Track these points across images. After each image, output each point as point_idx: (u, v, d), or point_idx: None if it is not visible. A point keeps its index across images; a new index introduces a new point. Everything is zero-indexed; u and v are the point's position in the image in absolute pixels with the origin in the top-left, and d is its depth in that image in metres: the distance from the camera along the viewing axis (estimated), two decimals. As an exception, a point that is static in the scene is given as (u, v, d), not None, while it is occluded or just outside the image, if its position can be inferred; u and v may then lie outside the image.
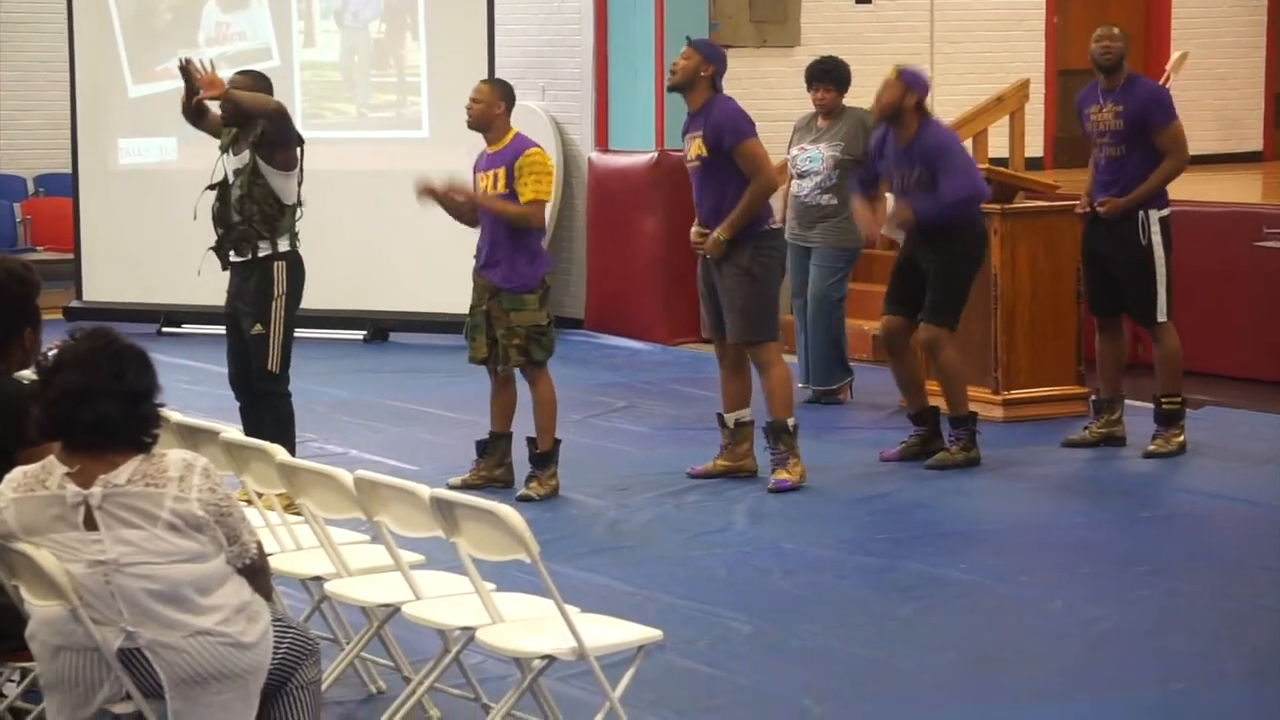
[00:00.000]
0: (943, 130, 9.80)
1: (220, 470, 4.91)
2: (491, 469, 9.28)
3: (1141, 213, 9.69)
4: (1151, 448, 9.81)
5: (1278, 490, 9.21)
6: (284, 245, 8.89)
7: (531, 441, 9.15)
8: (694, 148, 9.25)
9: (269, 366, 8.92)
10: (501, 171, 8.98)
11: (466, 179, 9.20)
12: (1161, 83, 14.41)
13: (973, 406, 9.85)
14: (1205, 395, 10.79)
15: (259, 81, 9.04)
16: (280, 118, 8.82)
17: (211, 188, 9.00)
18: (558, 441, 9.15)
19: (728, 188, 9.16)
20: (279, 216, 8.85)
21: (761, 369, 9.29)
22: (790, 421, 9.25)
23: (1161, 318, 9.74)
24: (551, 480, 9.13)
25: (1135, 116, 9.68)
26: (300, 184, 8.94)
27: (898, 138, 9.57)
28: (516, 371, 9.19)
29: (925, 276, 9.59)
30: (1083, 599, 7.45)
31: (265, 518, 6.29)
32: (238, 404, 9.13)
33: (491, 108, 9.07)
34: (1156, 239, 9.70)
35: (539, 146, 9.08)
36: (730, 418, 9.44)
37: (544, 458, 9.13)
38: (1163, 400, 9.85)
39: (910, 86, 9.54)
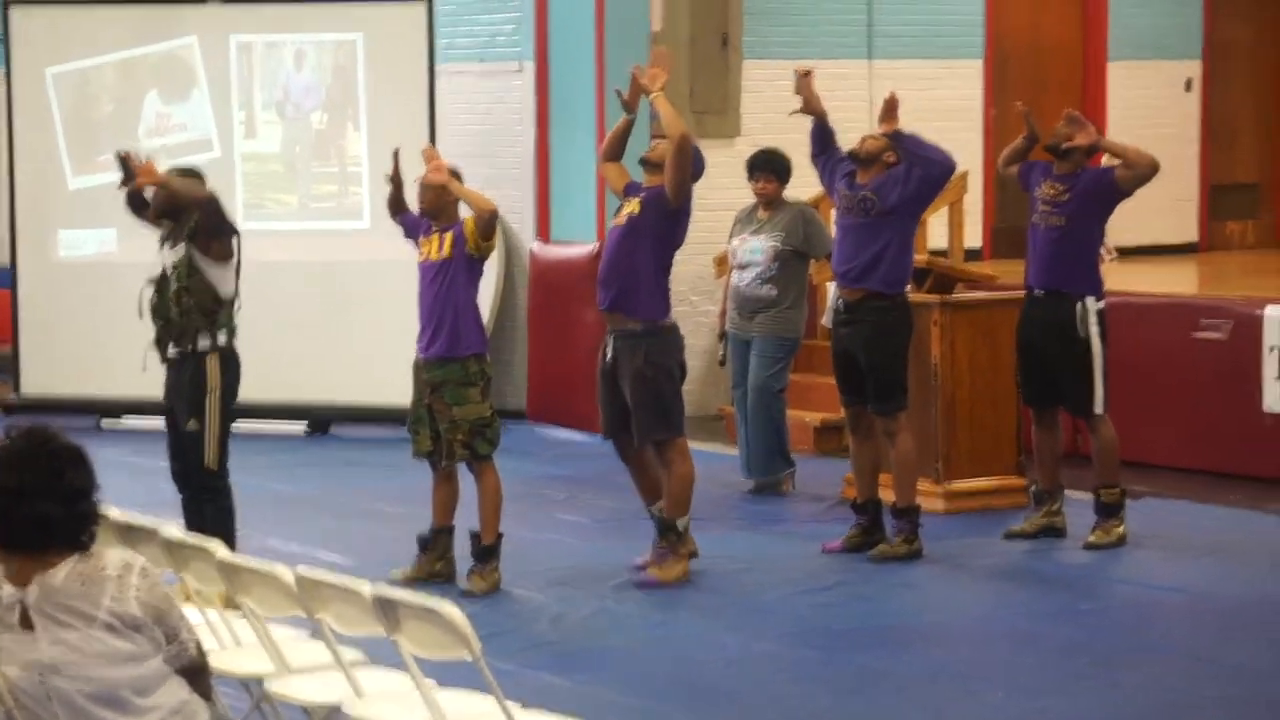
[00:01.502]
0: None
1: (159, 568, 4.87)
2: (433, 563, 9.24)
3: (1080, 303, 9.74)
4: (1091, 539, 9.84)
5: (1217, 581, 9.24)
6: (221, 339, 8.87)
7: (475, 535, 9.12)
8: (629, 206, 9.31)
9: (206, 463, 8.87)
10: (449, 236, 9.03)
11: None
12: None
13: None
14: (1143, 486, 10.84)
15: (193, 177, 9.05)
16: (212, 206, 8.83)
17: (153, 284, 8.99)
18: (500, 535, 9.12)
19: (641, 244, 9.20)
20: (217, 309, 8.84)
21: (665, 465, 9.29)
22: (681, 522, 9.23)
23: (1099, 410, 9.79)
24: (494, 574, 9.10)
25: (1088, 190, 9.75)
26: (238, 276, 8.93)
27: (860, 172, 9.68)
28: (461, 465, 9.17)
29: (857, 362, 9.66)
30: (1025, 690, 7.45)
31: (204, 615, 6.24)
32: (180, 497, 9.07)
33: (444, 194, 9.14)
34: (1094, 329, 9.76)
35: None
36: (656, 509, 9.43)
37: (487, 551, 9.10)
38: (1101, 491, 9.89)
39: (894, 145, 9.62)
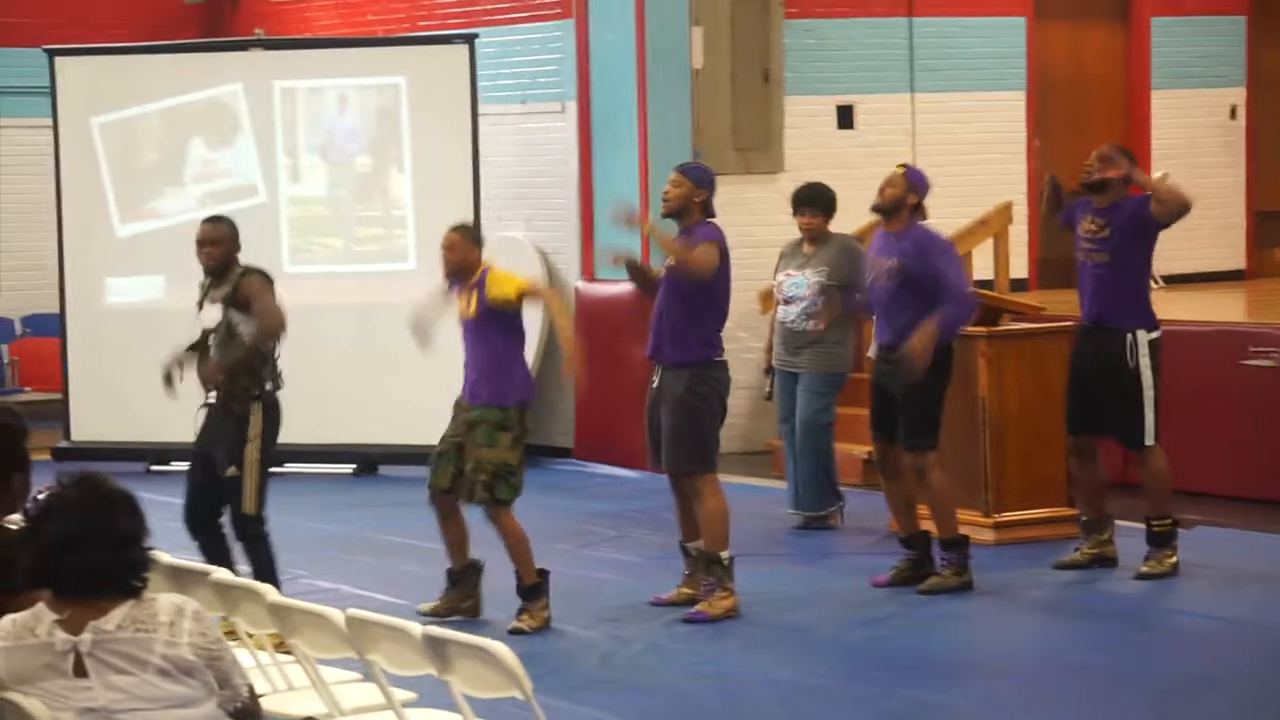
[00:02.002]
0: (936, 234, 9.84)
1: (211, 612, 4.89)
2: (459, 601, 9.26)
3: (1130, 335, 9.70)
4: (1144, 569, 9.79)
5: (1269, 610, 9.19)
6: (266, 387, 8.97)
7: (517, 576, 9.12)
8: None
9: (245, 508, 8.90)
10: (475, 294, 9.11)
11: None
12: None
13: (963, 529, 9.82)
14: (1195, 515, 10.78)
15: (227, 227, 9.16)
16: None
17: (193, 348, 9.07)
18: (545, 573, 9.12)
19: (682, 294, 9.23)
20: (262, 364, 8.93)
21: (696, 499, 9.28)
22: (724, 555, 9.21)
23: (1149, 441, 9.74)
24: (543, 612, 9.10)
25: (1128, 225, 9.71)
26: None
27: (888, 227, 9.67)
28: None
29: (895, 400, 9.64)
30: (1079, 723, 7.42)
31: (256, 658, 6.26)
32: (196, 542, 9.10)
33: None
34: (1144, 360, 9.71)
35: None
36: (691, 547, 9.43)
37: (531, 590, 9.10)
38: (1153, 522, 9.84)
39: (914, 186, 9.63)
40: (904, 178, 9.70)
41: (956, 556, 9.65)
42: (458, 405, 9.24)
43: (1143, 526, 9.92)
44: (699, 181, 9.40)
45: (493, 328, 9.07)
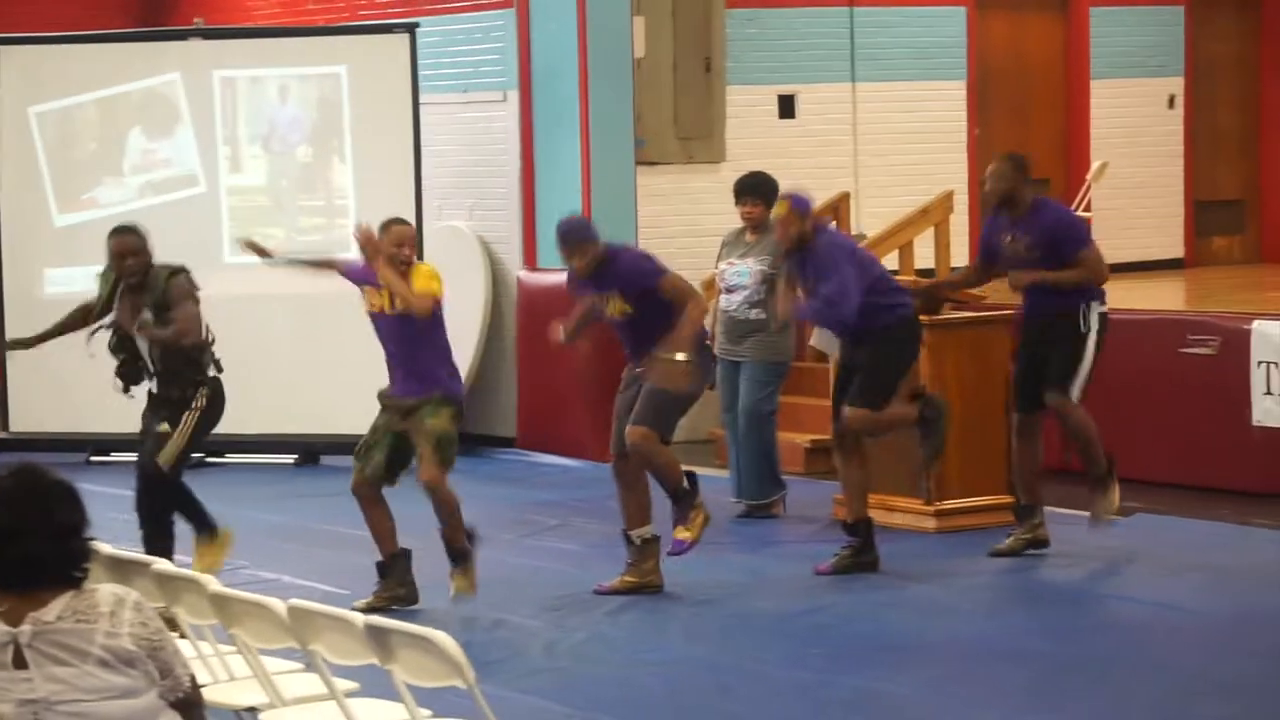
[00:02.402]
0: (837, 242, 9.93)
1: (152, 602, 4.87)
2: (394, 589, 9.28)
3: (1082, 304, 9.77)
4: (1097, 512, 9.91)
5: (1208, 596, 9.25)
6: (210, 373, 9.22)
7: (445, 540, 9.25)
8: (614, 305, 9.40)
9: (161, 459, 9.12)
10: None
11: None
12: (1081, 192, 14.62)
13: (904, 518, 9.88)
14: (1135, 502, 10.84)
15: (138, 236, 9.36)
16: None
17: (115, 351, 9.32)
18: (470, 534, 9.25)
19: (651, 316, 9.34)
20: (200, 353, 9.20)
21: (645, 459, 9.34)
22: (682, 486, 9.37)
23: (1074, 394, 9.78)
24: (472, 572, 9.21)
25: (1046, 245, 9.78)
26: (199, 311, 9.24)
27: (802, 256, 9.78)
28: (387, 490, 9.32)
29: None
30: (1019, 710, 7.46)
31: (197, 648, 6.24)
32: (140, 530, 9.20)
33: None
34: (1093, 326, 9.78)
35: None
36: (635, 534, 9.47)
37: (461, 553, 9.25)
38: (1090, 467, 9.91)
39: (804, 214, 9.73)
40: (792, 212, 9.74)
41: (857, 539, 9.77)
42: (382, 396, 9.35)
43: (1079, 513, 9.97)
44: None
45: (419, 320, 9.12)
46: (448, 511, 9.21)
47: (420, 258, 13.72)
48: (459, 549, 9.24)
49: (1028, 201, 9.85)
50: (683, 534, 9.38)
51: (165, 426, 9.16)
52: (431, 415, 9.14)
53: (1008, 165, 9.94)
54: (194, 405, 9.17)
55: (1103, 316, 9.85)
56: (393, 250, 9.10)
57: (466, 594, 9.19)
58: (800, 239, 9.71)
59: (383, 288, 9.15)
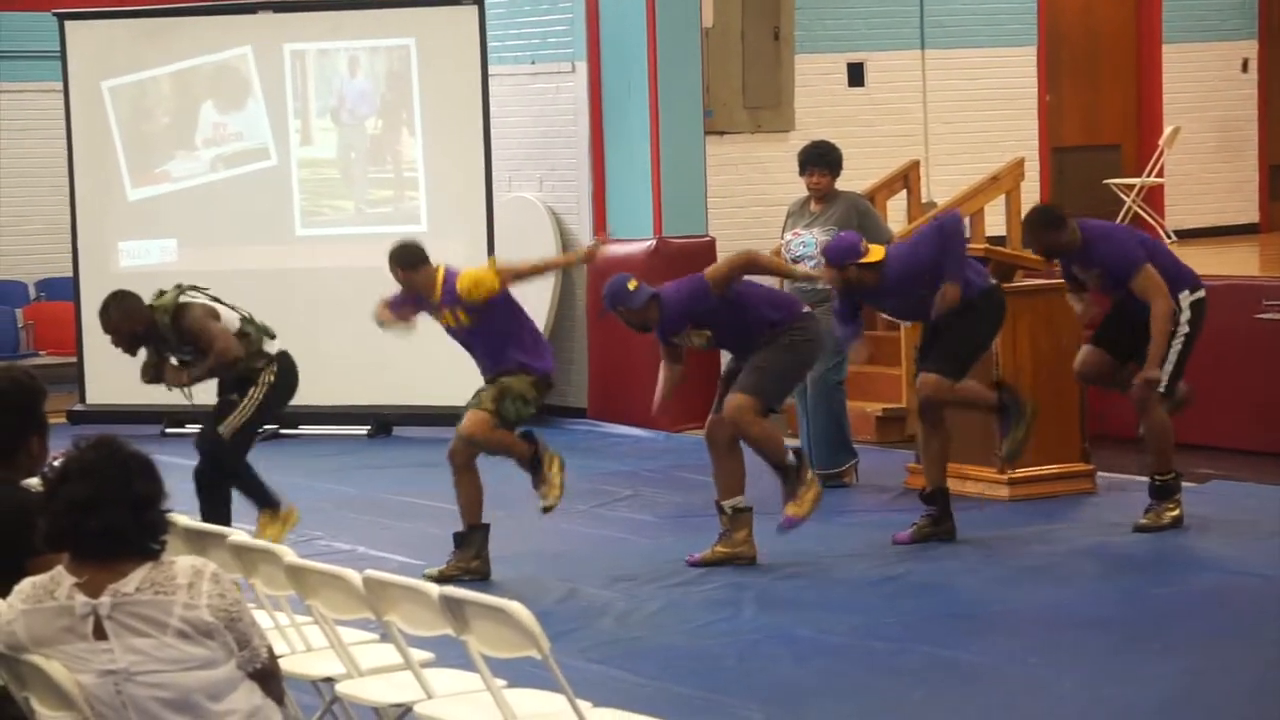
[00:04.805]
0: (902, 253, 9.83)
1: (228, 573, 4.90)
2: (469, 560, 9.30)
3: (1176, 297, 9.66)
4: (1143, 521, 9.80)
5: (1287, 563, 9.20)
6: (272, 349, 9.43)
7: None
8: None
9: (223, 429, 9.28)
10: (455, 307, 9.37)
11: None
12: (1154, 158, 14.51)
13: (977, 486, 9.83)
14: (1209, 469, 10.78)
15: (116, 310, 9.65)
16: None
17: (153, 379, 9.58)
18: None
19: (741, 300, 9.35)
20: (248, 356, 9.37)
21: (746, 430, 9.27)
22: (788, 458, 9.33)
23: (1160, 388, 9.68)
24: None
25: (1110, 275, 9.70)
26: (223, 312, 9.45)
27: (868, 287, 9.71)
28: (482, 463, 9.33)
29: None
30: (1093, 679, 7.42)
31: (274, 619, 6.28)
32: (197, 499, 9.40)
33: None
34: (1184, 316, 9.64)
35: None
36: (727, 504, 9.44)
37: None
38: (1155, 475, 9.84)
39: (844, 265, 9.61)
40: (832, 267, 9.63)
41: (935, 508, 9.74)
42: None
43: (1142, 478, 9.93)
44: None
45: (489, 319, 9.18)
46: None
47: (490, 229, 13.85)
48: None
49: (1076, 238, 9.72)
50: (793, 509, 9.32)
51: (235, 396, 9.37)
52: (511, 376, 9.24)
53: (1027, 231, 9.93)
54: (260, 380, 9.30)
55: (1195, 304, 9.69)
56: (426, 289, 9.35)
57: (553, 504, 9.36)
58: (855, 287, 9.65)
59: (441, 309, 9.23)
